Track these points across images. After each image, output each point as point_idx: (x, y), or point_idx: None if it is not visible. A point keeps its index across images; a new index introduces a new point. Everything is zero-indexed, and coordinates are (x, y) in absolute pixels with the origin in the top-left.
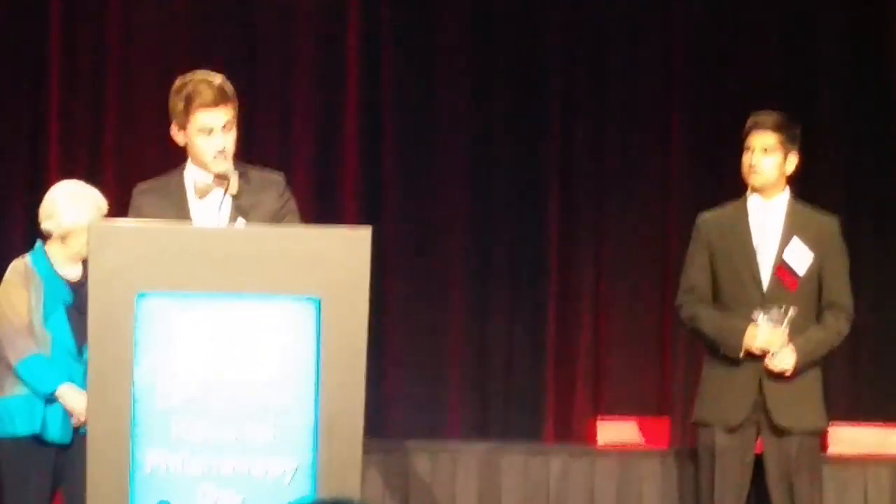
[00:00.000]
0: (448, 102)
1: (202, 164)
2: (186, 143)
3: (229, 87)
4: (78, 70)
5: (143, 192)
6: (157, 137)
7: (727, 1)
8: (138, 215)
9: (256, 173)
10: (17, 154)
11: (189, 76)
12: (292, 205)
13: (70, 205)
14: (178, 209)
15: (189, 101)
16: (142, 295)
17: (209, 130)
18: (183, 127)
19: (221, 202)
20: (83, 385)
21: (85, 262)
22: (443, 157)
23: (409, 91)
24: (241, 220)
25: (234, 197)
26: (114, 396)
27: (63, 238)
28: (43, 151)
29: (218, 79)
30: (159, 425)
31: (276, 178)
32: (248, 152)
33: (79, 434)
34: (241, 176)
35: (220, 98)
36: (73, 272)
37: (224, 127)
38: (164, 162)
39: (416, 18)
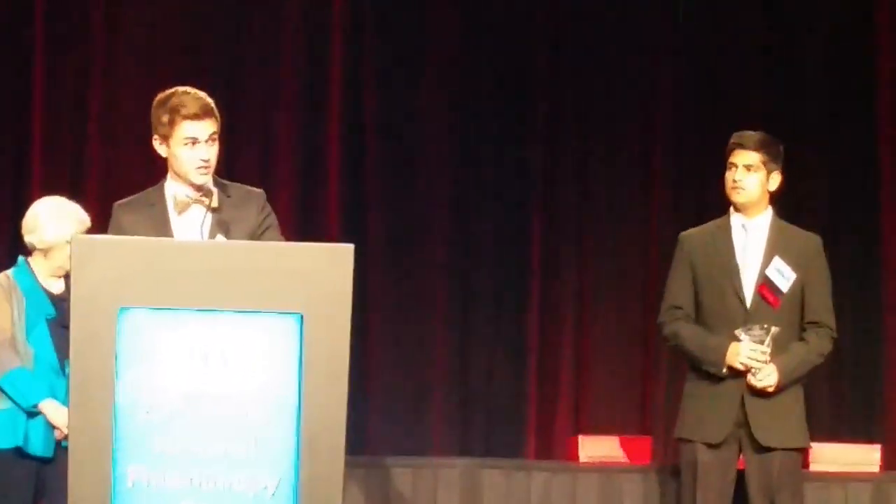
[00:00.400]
0: (432, 122)
1: (183, 177)
2: (168, 156)
3: (211, 103)
4: (61, 86)
5: (122, 207)
6: (140, 153)
7: (713, 22)
8: (118, 231)
9: (236, 189)
10: (0, 169)
11: (173, 89)
12: (272, 219)
13: (52, 220)
14: (159, 225)
15: (174, 112)
16: (124, 309)
17: (194, 141)
18: (166, 139)
19: (203, 220)
20: (65, 399)
21: (68, 277)
22: (426, 176)
23: (392, 110)
24: (220, 237)
25: (215, 211)
26: (96, 411)
27: (46, 253)
28: (26, 166)
29: (201, 93)
30: (141, 440)
31: (257, 193)
32: (231, 169)
33: (61, 448)
34: (222, 191)
35: (205, 110)
36: (56, 286)
37: (208, 139)
38: (147, 177)
39: (402, 36)
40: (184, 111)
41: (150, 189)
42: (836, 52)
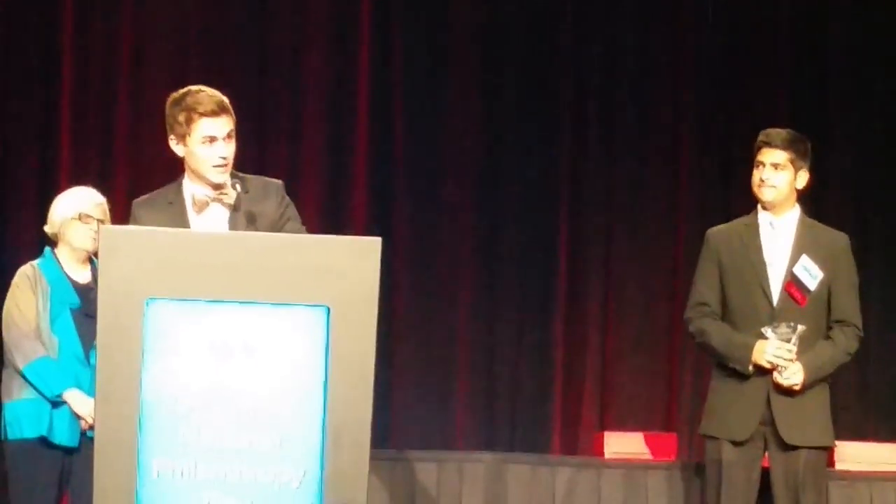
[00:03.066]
0: (458, 117)
1: (201, 176)
2: (186, 155)
3: (227, 100)
4: (89, 79)
5: (141, 205)
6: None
7: (739, 19)
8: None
9: (254, 181)
10: (28, 163)
11: (186, 89)
12: (292, 210)
13: (60, 202)
14: (178, 222)
15: (191, 111)
16: (151, 300)
17: (212, 139)
18: (183, 138)
19: (223, 216)
20: (90, 389)
21: (93, 266)
22: (453, 172)
23: (419, 106)
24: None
25: (234, 207)
26: (122, 402)
27: (61, 237)
28: (54, 163)
29: (215, 91)
30: (167, 431)
31: (275, 184)
32: (260, 165)
33: (86, 438)
34: (241, 185)
35: (221, 108)
36: (81, 276)
37: (226, 137)
38: (174, 168)
39: (428, 34)
40: (200, 109)
41: (168, 186)
42: (864, 47)
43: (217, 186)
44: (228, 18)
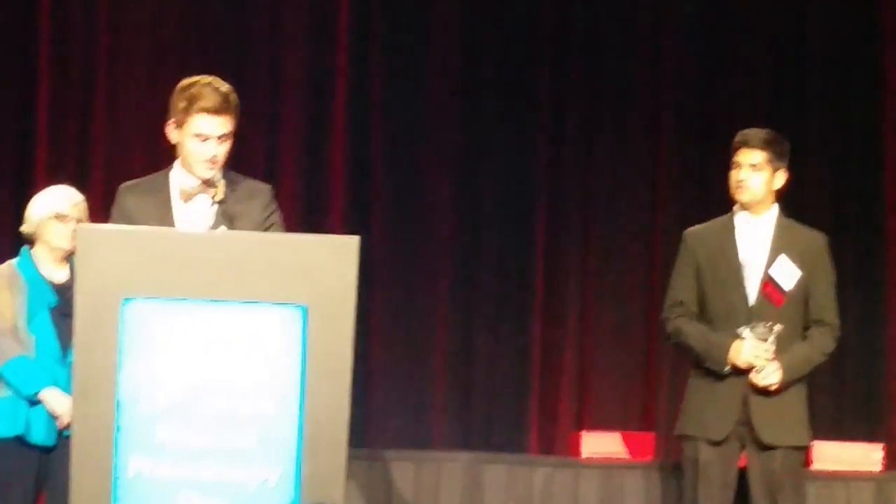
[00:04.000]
0: (436, 116)
1: (189, 167)
2: (178, 144)
3: (234, 98)
4: (67, 76)
5: (128, 189)
6: (145, 144)
7: (718, 19)
8: (122, 213)
9: (243, 182)
10: (4, 163)
11: (198, 77)
12: (277, 216)
13: (37, 202)
14: (162, 211)
15: (191, 103)
16: (128, 300)
17: (205, 137)
18: (180, 126)
19: (209, 209)
20: (67, 388)
21: (71, 265)
22: (430, 171)
23: (397, 105)
24: (223, 228)
25: (220, 203)
26: (98, 401)
27: (39, 237)
28: (30, 161)
29: (225, 87)
30: (143, 431)
31: (263, 188)
32: (236, 163)
33: (62, 437)
34: (228, 183)
35: (222, 107)
36: (58, 275)
37: (220, 137)
38: (150, 168)
39: (406, 34)
40: (199, 104)
41: (157, 174)
42: (842, 48)
43: (205, 181)
44: (206, 14)
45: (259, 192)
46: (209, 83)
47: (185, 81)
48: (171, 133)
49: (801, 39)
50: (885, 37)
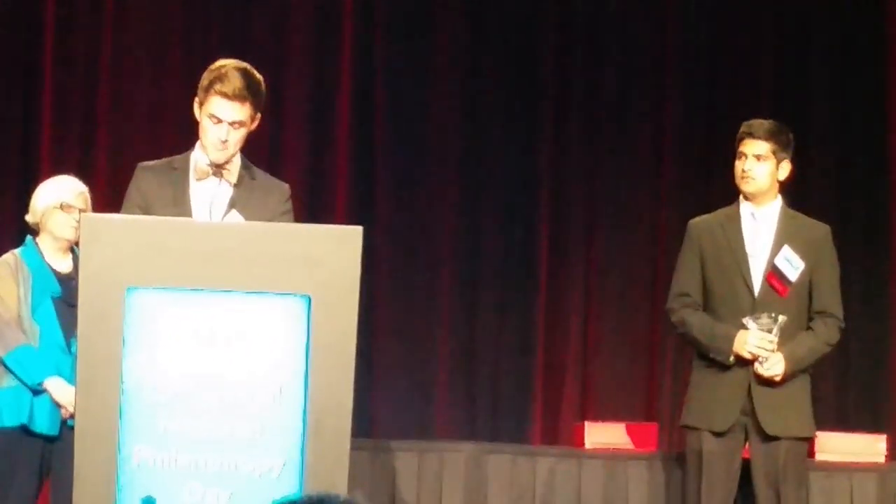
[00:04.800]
0: (440, 111)
1: (203, 147)
2: (199, 121)
3: (258, 89)
4: (71, 69)
5: (145, 169)
6: (149, 137)
7: (722, 12)
8: (138, 191)
9: (264, 175)
10: (9, 154)
11: (231, 61)
12: (290, 217)
13: (41, 192)
14: (178, 189)
15: (212, 83)
16: (132, 289)
17: (218, 120)
18: (200, 104)
19: (217, 191)
20: (71, 377)
21: (75, 254)
22: (434, 162)
23: (401, 99)
24: (234, 213)
25: (235, 186)
26: (102, 390)
27: (43, 226)
28: (34, 152)
29: (253, 76)
30: (147, 420)
31: (282, 186)
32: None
33: (66, 426)
34: (247, 172)
35: (240, 94)
36: (62, 265)
37: (234, 123)
38: (157, 157)
39: (411, 28)
40: (218, 86)
41: (177, 156)
42: (846, 39)
43: (216, 165)
44: (210, 8)
45: (277, 188)
46: (237, 68)
47: (218, 62)
48: (196, 111)
49: (805, 31)
50: (891, 28)
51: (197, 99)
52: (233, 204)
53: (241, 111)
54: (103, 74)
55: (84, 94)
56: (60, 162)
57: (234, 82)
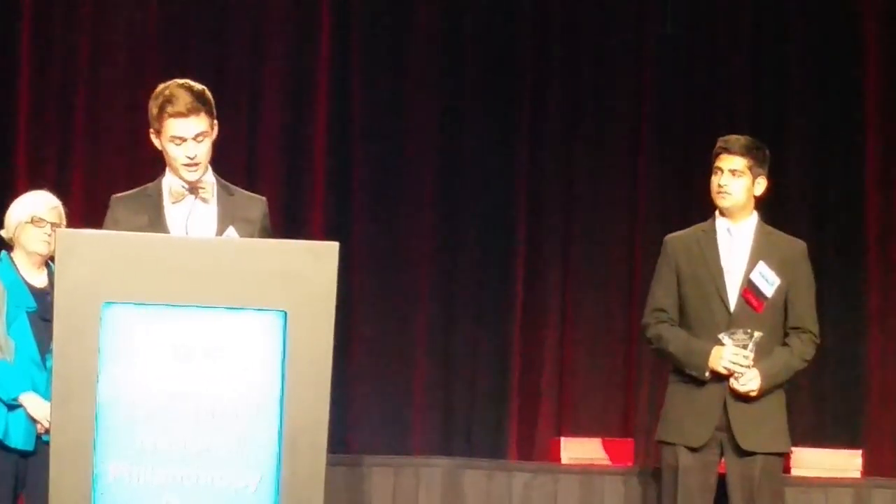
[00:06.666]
0: (417, 118)
1: (174, 171)
2: (162, 149)
3: (205, 96)
4: (47, 83)
5: (119, 200)
6: (126, 149)
7: (700, 27)
8: (113, 223)
9: (240, 192)
10: None
11: (168, 83)
12: (269, 232)
13: (14, 207)
14: (152, 212)
15: (162, 108)
16: (108, 304)
17: (181, 140)
18: (158, 133)
19: (190, 210)
20: (46, 392)
21: (50, 269)
22: (411, 177)
23: (378, 110)
24: (231, 230)
25: (218, 203)
26: (78, 405)
27: (16, 241)
28: (10, 166)
29: (196, 87)
30: (123, 435)
31: (261, 199)
32: (216, 167)
33: (42, 441)
34: (224, 189)
35: (193, 107)
36: (38, 280)
37: (196, 136)
38: (131, 174)
39: (387, 35)
40: (170, 108)
41: (149, 184)
42: (823, 58)
43: (190, 184)
44: (187, 17)
45: (257, 203)
46: (179, 86)
47: (158, 88)
48: (154, 141)
49: (782, 47)
50: (866, 44)
51: (152, 130)
52: (224, 224)
53: (198, 123)
54: (80, 90)
55: (60, 111)
56: (36, 179)
57: (183, 98)
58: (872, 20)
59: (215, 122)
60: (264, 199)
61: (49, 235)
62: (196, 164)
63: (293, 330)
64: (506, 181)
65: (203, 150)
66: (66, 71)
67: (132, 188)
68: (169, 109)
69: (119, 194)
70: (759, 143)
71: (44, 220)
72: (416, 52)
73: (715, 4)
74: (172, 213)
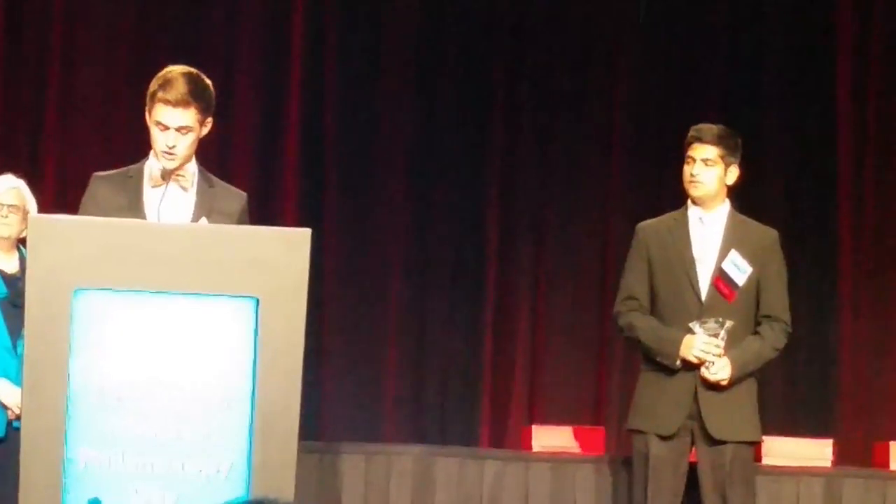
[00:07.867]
0: (390, 110)
1: (155, 155)
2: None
3: (205, 93)
4: (18, 74)
5: (100, 178)
6: (99, 141)
7: (675, 18)
8: (92, 200)
9: (221, 184)
10: None
11: (176, 67)
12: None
13: None
14: (132, 195)
15: (157, 91)
16: (79, 290)
17: (164, 127)
18: (149, 112)
19: (164, 194)
20: (17, 378)
21: (21, 255)
22: (384, 165)
23: (350, 98)
24: (203, 220)
25: (196, 193)
26: (49, 392)
27: None
28: None
29: (199, 81)
30: (94, 421)
31: (241, 194)
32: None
33: (12, 427)
34: (204, 178)
35: (183, 99)
36: (8, 265)
37: (180, 129)
38: (105, 161)
39: (361, 27)
40: (161, 94)
41: (132, 165)
42: (797, 52)
43: (166, 171)
44: (162, 10)
45: (236, 196)
46: (183, 73)
47: (166, 68)
48: (147, 118)
49: (756, 38)
50: (840, 37)
51: (147, 107)
52: (199, 213)
53: (185, 117)
54: (51, 81)
55: (31, 102)
56: (7, 170)
57: (178, 88)
58: (847, 9)
59: (209, 119)
60: (245, 194)
61: (6, 217)
62: (174, 155)
63: (265, 317)
64: (477, 171)
65: (184, 144)
66: (37, 63)
67: (107, 168)
68: (160, 94)
69: (101, 173)
70: (731, 132)
71: (1, 203)
72: (390, 41)
73: None
74: (150, 196)
